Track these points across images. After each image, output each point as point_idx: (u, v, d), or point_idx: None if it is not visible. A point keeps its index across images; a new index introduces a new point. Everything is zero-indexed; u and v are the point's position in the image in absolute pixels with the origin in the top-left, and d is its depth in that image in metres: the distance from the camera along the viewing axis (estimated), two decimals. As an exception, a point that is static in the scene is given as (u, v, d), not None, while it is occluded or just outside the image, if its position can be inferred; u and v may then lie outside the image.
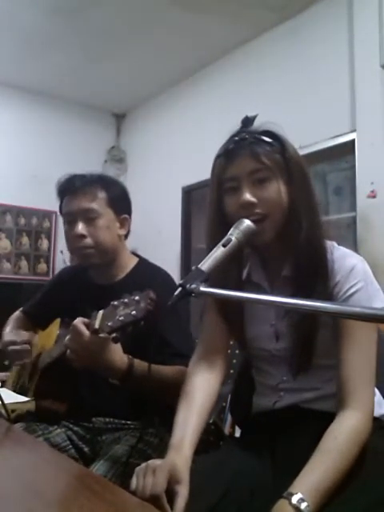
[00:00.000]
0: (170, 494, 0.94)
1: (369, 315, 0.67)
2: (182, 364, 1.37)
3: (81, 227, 1.50)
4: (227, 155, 1.13)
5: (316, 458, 0.94)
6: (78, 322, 1.22)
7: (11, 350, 1.56)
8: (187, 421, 1.09)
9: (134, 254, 1.66)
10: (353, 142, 2.98)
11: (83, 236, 1.50)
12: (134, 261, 1.61)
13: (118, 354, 1.26)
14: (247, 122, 1.14)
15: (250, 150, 1.09)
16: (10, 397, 1.47)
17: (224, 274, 1.14)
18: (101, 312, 1.19)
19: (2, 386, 1.74)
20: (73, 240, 1.53)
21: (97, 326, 1.17)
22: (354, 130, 2.99)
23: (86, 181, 1.53)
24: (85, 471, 1.02)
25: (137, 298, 1.15)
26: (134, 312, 1.13)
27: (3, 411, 1.21)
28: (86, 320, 1.22)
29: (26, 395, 1.56)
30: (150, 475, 0.95)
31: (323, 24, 3.25)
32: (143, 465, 0.99)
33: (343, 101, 3.06)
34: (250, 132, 1.12)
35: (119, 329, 1.15)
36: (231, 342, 1.30)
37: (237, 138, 1.12)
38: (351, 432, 0.96)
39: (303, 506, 0.86)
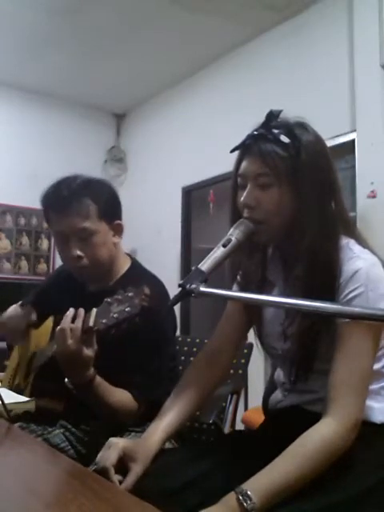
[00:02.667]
0: (126, 470, 1.02)
1: (368, 315, 0.67)
2: (132, 392, 1.36)
3: (76, 250, 1.42)
4: (242, 150, 1.12)
5: (279, 459, 0.93)
6: (66, 322, 1.23)
7: (7, 327, 1.57)
8: (170, 408, 1.14)
9: (129, 255, 1.62)
10: (353, 141, 2.98)
11: (80, 257, 1.43)
12: (127, 264, 1.57)
13: (87, 364, 1.26)
14: (271, 116, 1.10)
15: (261, 150, 1.06)
16: (10, 397, 1.47)
17: (247, 270, 1.17)
18: (94, 310, 1.19)
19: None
20: (68, 260, 1.47)
21: (91, 323, 1.17)
22: (354, 130, 2.99)
23: (74, 193, 1.41)
24: (84, 471, 1.02)
25: (130, 294, 1.15)
26: (128, 308, 1.14)
27: (3, 411, 1.21)
28: (72, 325, 1.22)
29: (21, 395, 1.56)
30: (106, 450, 1.05)
31: (323, 24, 3.26)
32: (107, 442, 1.08)
33: (343, 101, 3.06)
34: (270, 128, 1.08)
35: (114, 326, 1.16)
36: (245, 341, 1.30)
37: (255, 133, 1.09)
38: (322, 440, 0.94)
39: (248, 503, 0.86)
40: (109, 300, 1.16)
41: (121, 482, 1.01)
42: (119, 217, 1.53)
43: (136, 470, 1.02)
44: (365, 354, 1.01)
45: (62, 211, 1.41)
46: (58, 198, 1.42)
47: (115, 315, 1.15)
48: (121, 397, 1.35)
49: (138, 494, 0.86)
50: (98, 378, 1.30)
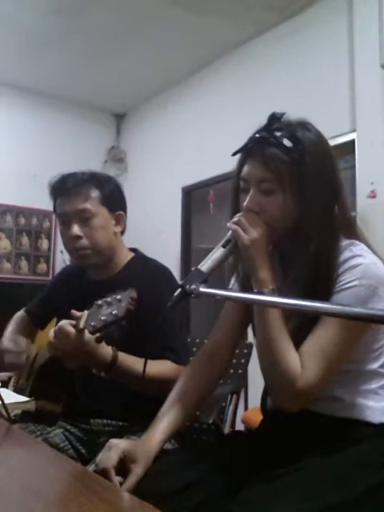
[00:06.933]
0: (126, 471, 1.02)
1: (365, 315, 0.67)
2: (170, 358, 1.40)
3: (76, 228, 1.50)
4: (245, 153, 1.11)
5: None
6: (65, 323, 1.23)
7: (6, 360, 1.57)
8: (169, 408, 1.13)
9: (132, 249, 1.66)
10: (353, 141, 2.98)
11: (79, 237, 1.50)
12: (129, 256, 1.61)
13: (100, 349, 1.28)
14: (273, 119, 1.08)
15: (264, 154, 1.05)
16: (10, 397, 1.47)
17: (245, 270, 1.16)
18: (86, 312, 1.20)
19: (2, 386, 1.74)
20: (69, 241, 1.53)
21: (82, 325, 1.19)
22: (354, 130, 2.99)
23: (78, 180, 1.52)
24: (85, 471, 1.02)
25: (119, 297, 1.16)
26: (114, 311, 1.15)
27: (3, 411, 1.21)
28: (72, 322, 1.23)
29: (22, 395, 1.56)
30: (106, 451, 1.04)
31: (323, 24, 3.25)
32: (107, 443, 1.07)
33: (343, 101, 3.06)
34: (272, 131, 1.07)
35: (101, 328, 1.17)
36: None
37: (257, 136, 1.08)
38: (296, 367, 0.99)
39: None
40: (99, 302, 1.18)
41: (121, 484, 1.00)
42: (122, 209, 1.60)
43: (137, 471, 1.02)
44: (344, 328, 1.00)
45: (66, 194, 1.51)
46: (64, 184, 1.52)
47: (103, 318, 1.16)
48: (159, 368, 1.35)
49: (138, 495, 0.86)
50: (122, 353, 1.32)
